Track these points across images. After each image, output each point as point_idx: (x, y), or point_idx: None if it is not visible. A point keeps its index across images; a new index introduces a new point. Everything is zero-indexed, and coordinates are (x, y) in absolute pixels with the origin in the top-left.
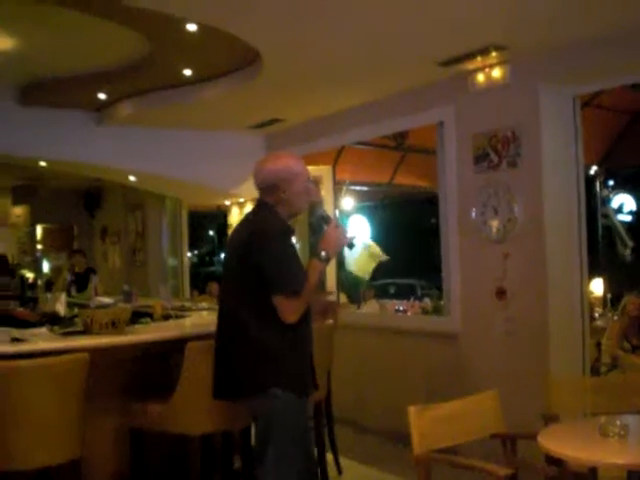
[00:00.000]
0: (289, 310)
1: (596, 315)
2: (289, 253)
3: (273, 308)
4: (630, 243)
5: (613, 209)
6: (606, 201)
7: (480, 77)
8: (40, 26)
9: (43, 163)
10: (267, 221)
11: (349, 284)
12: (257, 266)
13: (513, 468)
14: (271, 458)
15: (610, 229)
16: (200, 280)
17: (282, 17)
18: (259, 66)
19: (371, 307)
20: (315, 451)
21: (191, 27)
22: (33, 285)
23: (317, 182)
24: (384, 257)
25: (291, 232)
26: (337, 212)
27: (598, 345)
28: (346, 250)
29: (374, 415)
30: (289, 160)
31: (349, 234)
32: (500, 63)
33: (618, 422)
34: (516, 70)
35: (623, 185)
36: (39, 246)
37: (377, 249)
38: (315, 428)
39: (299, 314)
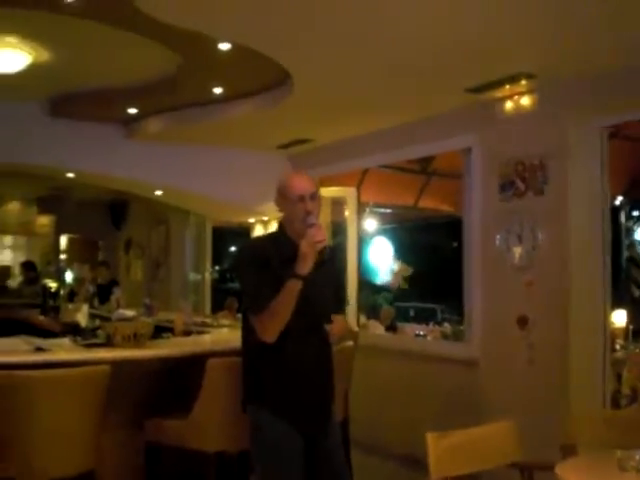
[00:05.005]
0: (258, 328)
1: (617, 347)
2: (250, 272)
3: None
4: None
5: (637, 241)
6: (630, 232)
7: (508, 105)
8: (72, 39)
9: (71, 174)
10: (247, 241)
11: (369, 304)
12: None
13: None
14: (257, 474)
15: (634, 260)
16: (221, 296)
17: (315, 40)
18: (289, 87)
19: (377, 329)
20: None
21: (223, 46)
22: (55, 294)
23: (341, 203)
24: (409, 270)
25: (256, 249)
26: (359, 234)
27: (618, 377)
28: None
29: (391, 439)
30: (287, 176)
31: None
32: (529, 91)
33: (637, 456)
34: (544, 98)
35: None
36: (63, 256)
37: (402, 266)
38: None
39: (271, 332)
